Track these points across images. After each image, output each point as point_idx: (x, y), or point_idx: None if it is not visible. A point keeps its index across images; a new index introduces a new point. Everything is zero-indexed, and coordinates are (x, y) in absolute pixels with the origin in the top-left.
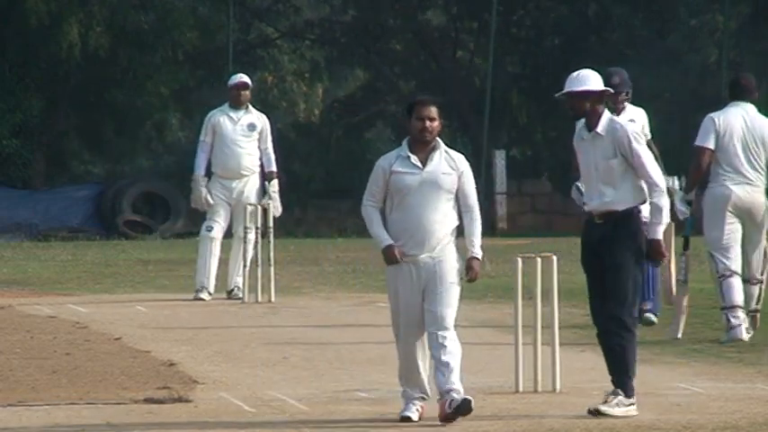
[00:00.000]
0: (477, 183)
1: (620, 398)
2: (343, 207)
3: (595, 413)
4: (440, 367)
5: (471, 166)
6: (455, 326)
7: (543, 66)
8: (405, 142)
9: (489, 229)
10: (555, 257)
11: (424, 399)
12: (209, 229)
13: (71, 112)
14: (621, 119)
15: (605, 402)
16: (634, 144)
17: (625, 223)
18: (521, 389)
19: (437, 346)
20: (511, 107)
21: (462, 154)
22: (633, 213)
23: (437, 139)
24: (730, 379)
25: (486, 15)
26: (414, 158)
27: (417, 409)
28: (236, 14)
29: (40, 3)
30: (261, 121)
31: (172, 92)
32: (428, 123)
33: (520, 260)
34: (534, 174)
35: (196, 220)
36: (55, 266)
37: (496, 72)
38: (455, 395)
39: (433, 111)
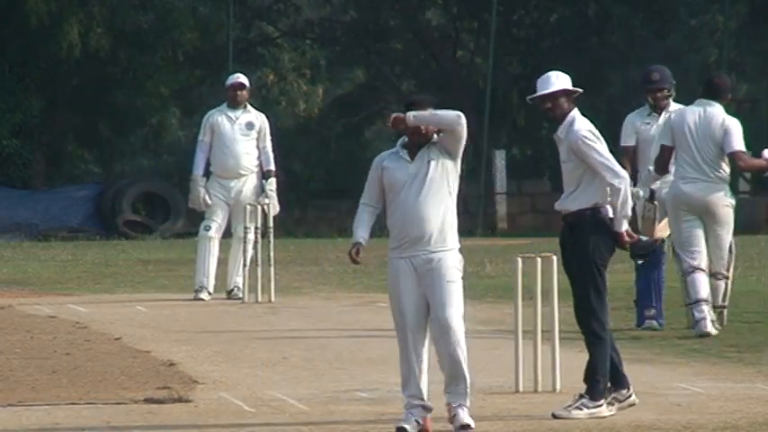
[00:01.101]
0: (476, 183)
1: (584, 401)
2: (343, 207)
3: (553, 417)
4: (448, 371)
5: (471, 166)
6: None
7: (543, 66)
8: (400, 140)
9: (489, 230)
10: (555, 257)
11: (425, 410)
12: (207, 228)
13: (71, 113)
14: (662, 118)
15: (568, 406)
16: (582, 146)
17: (579, 226)
18: (521, 389)
19: (439, 352)
20: (511, 107)
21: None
22: (586, 215)
23: (435, 137)
24: (730, 379)
25: (486, 15)
26: (403, 152)
27: (417, 421)
28: (236, 13)
29: (40, 3)
30: (259, 120)
31: (172, 92)
32: (422, 126)
33: (520, 260)
34: (535, 174)
35: (196, 219)
36: (55, 266)
37: (496, 72)
38: (460, 413)
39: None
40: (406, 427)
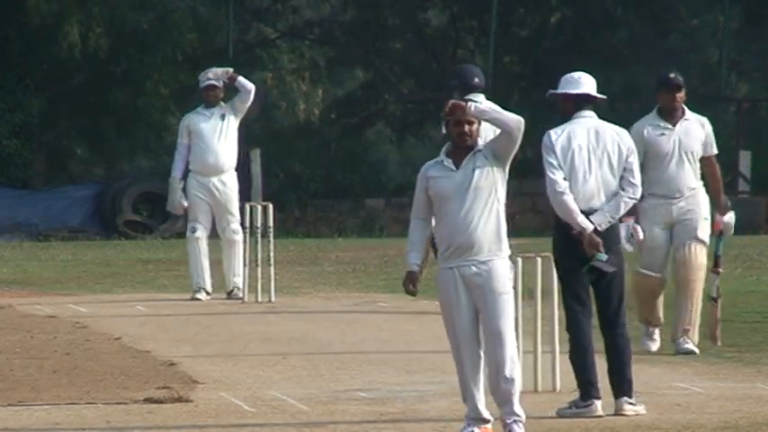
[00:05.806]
0: None
1: (576, 400)
2: (343, 207)
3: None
4: (500, 386)
5: None
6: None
7: (543, 66)
8: (444, 147)
9: None
10: None
11: (485, 422)
12: (194, 230)
13: (71, 112)
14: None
15: (563, 406)
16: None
17: None
18: (521, 389)
19: (492, 366)
20: (511, 107)
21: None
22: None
23: (478, 141)
24: (730, 379)
25: (486, 15)
26: (447, 161)
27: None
28: (235, 14)
29: (40, 3)
30: (226, 107)
31: (172, 92)
32: (466, 127)
33: (520, 260)
34: (535, 174)
35: None
36: (55, 266)
37: (496, 72)
38: (515, 428)
39: None
40: None
